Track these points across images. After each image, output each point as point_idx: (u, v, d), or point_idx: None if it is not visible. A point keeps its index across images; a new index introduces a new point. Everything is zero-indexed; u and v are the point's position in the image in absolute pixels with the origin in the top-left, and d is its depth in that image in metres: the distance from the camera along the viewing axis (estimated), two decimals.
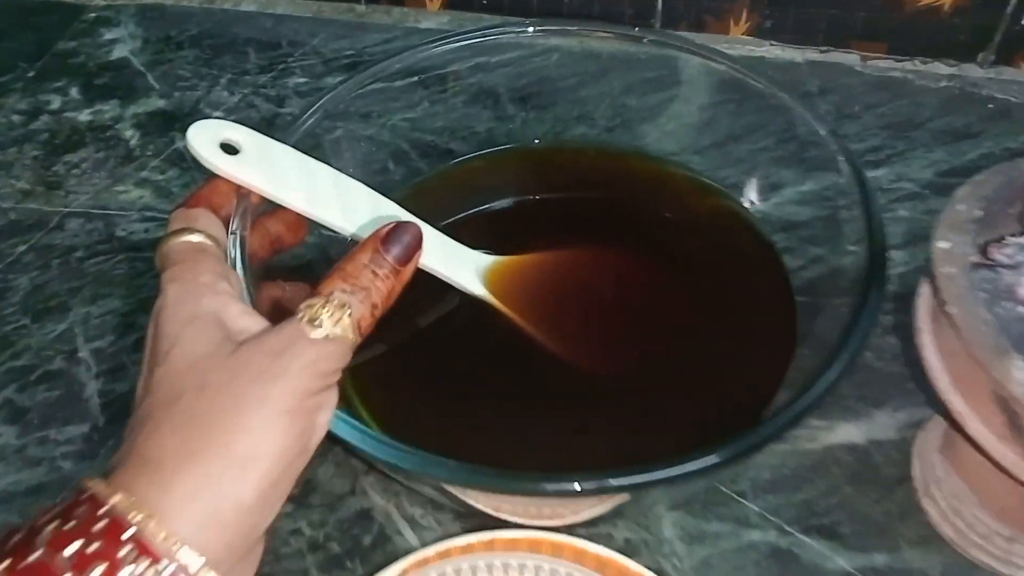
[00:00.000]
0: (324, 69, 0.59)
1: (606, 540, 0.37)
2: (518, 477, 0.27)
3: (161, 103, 0.56)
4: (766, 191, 0.44)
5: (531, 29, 0.44)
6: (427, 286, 0.36)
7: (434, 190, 0.45)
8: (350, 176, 0.35)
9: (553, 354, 0.37)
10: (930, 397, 0.39)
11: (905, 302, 0.44)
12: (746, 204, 0.44)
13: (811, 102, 0.54)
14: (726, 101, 0.45)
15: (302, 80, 0.58)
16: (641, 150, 0.47)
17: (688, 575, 0.36)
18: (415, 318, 0.39)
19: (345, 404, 0.35)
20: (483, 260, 0.38)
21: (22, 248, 0.48)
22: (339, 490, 0.39)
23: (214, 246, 0.31)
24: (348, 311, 0.27)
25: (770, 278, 0.41)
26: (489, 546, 0.33)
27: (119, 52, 0.59)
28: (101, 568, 0.23)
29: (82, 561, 0.23)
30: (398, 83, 0.45)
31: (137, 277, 0.47)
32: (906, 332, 0.43)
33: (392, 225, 0.30)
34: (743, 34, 0.60)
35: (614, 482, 0.27)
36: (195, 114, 0.56)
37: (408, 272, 0.30)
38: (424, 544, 0.37)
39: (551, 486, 0.27)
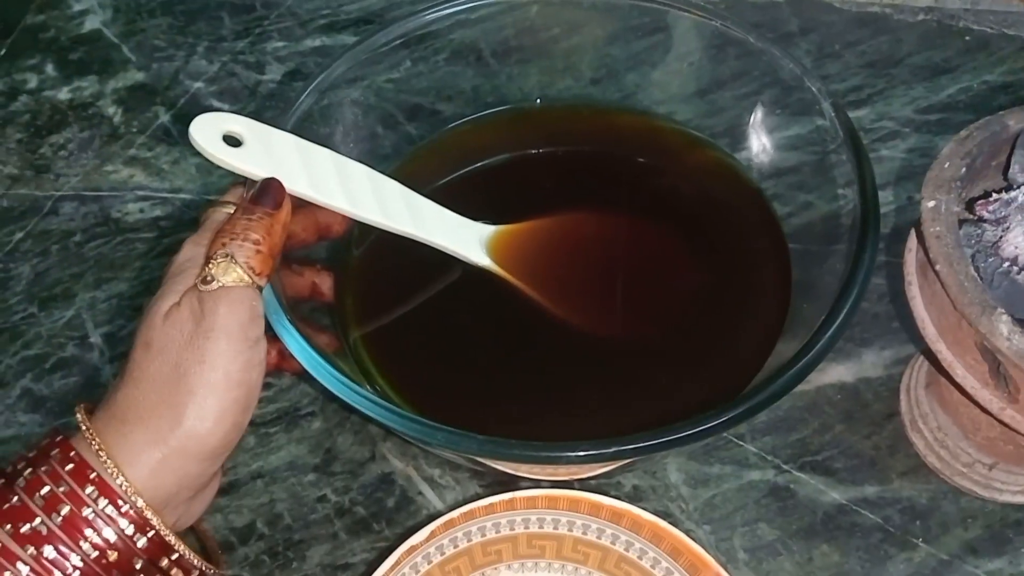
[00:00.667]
0: (302, 32, 0.58)
1: (616, 488, 0.39)
2: (547, 447, 0.29)
3: (140, 76, 0.55)
4: (752, 138, 0.45)
5: None
6: (432, 259, 0.38)
7: (429, 157, 0.45)
8: (341, 146, 0.35)
9: (557, 317, 0.38)
10: (916, 338, 0.41)
11: (890, 242, 0.46)
12: (734, 153, 0.45)
13: (792, 43, 0.55)
14: (708, 47, 0.45)
15: (280, 44, 0.57)
16: (629, 105, 0.47)
17: (694, 516, 0.39)
18: (423, 291, 0.40)
19: (366, 377, 0.37)
20: (485, 231, 0.39)
21: (19, 235, 0.49)
22: (360, 457, 0.41)
23: None
24: (233, 260, 0.29)
25: (761, 226, 0.42)
26: (510, 505, 0.35)
27: (91, 24, 0.58)
28: (67, 508, 0.27)
29: (52, 500, 0.27)
30: (382, 48, 0.45)
31: (139, 259, 0.47)
32: (891, 271, 0.45)
33: (256, 186, 0.32)
34: None
35: (638, 445, 0.28)
36: (175, 86, 0.55)
37: (283, 212, 0.32)
38: (445, 503, 0.39)
39: (577, 453, 0.29)
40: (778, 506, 0.39)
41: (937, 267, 0.29)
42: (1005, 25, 0.55)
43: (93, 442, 0.28)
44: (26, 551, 0.27)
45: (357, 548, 0.38)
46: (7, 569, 0.26)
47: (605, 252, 0.41)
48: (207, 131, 0.32)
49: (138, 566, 0.28)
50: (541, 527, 0.35)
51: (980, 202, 0.31)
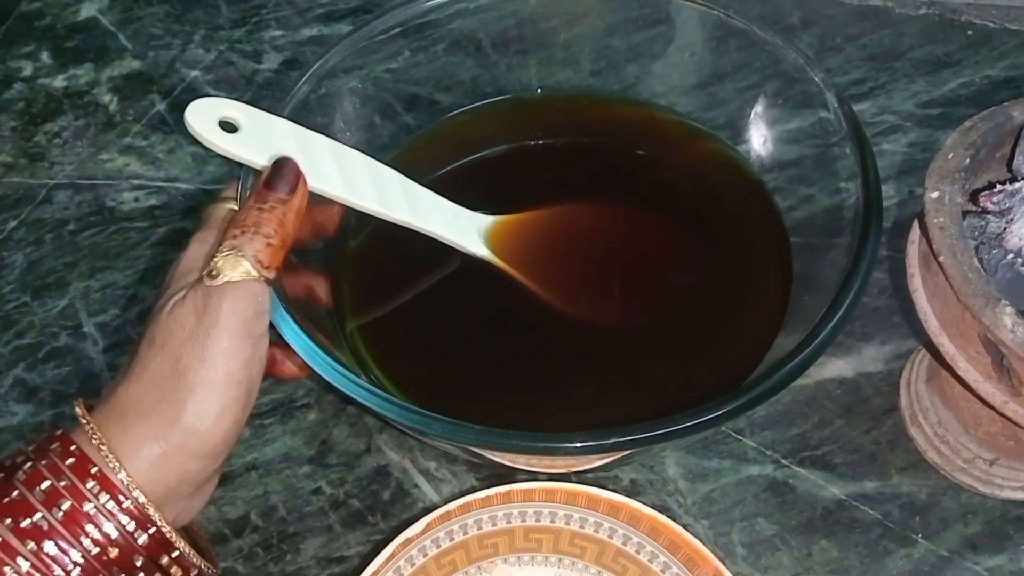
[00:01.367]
0: (300, 21, 0.57)
1: (613, 481, 0.39)
2: (544, 438, 0.29)
3: (136, 64, 0.55)
4: (754, 130, 0.45)
5: None
6: (430, 249, 0.37)
7: (427, 147, 0.45)
8: (339, 135, 0.35)
9: (555, 309, 0.38)
10: (917, 332, 0.41)
11: (891, 236, 0.46)
12: (735, 145, 0.44)
13: (794, 36, 0.54)
14: (710, 38, 0.45)
15: (278, 33, 0.57)
16: (629, 96, 0.47)
17: (692, 511, 0.38)
18: (420, 281, 0.39)
19: (362, 368, 0.37)
20: (483, 221, 0.39)
21: (13, 224, 0.48)
22: (355, 449, 0.40)
23: None
24: (240, 253, 0.29)
25: (762, 219, 0.42)
26: (507, 498, 0.35)
27: (87, 11, 0.58)
28: (68, 503, 0.27)
29: (53, 495, 0.27)
30: (380, 37, 0.44)
31: (133, 248, 0.47)
32: (892, 265, 0.45)
33: (270, 168, 0.31)
34: None
35: (637, 437, 0.28)
36: (171, 74, 0.54)
37: (298, 198, 0.31)
38: (441, 495, 0.39)
39: (575, 444, 0.28)
40: (777, 501, 0.39)
41: (940, 258, 0.29)
42: (1007, 19, 0.55)
43: (94, 436, 0.28)
44: (26, 546, 0.26)
45: (352, 541, 0.38)
46: (7, 564, 0.26)
47: (604, 244, 0.41)
48: (203, 116, 0.32)
49: (139, 563, 0.28)
50: (538, 520, 0.35)
51: (984, 193, 0.30)
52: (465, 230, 0.38)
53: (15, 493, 0.27)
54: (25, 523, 0.26)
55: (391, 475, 0.40)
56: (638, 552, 0.34)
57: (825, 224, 0.39)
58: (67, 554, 0.26)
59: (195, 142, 0.32)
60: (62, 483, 0.27)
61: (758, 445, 0.40)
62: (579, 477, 0.38)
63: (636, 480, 0.39)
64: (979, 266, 0.28)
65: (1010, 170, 0.32)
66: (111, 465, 0.27)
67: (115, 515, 0.27)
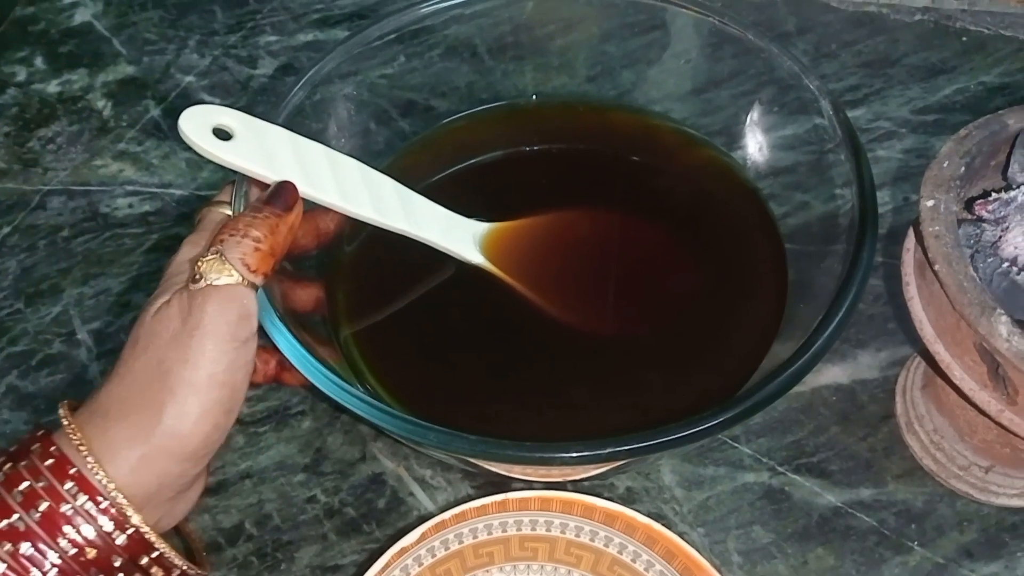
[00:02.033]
0: (295, 26, 0.57)
1: (609, 490, 0.39)
2: (540, 448, 0.28)
3: (130, 70, 0.55)
4: (749, 137, 0.45)
5: None
6: (425, 256, 0.37)
7: (422, 154, 0.44)
8: (334, 141, 0.35)
9: (550, 317, 0.38)
10: (912, 339, 0.41)
11: (886, 243, 0.46)
12: (730, 152, 0.44)
13: (789, 42, 0.54)
14: (705, 44, 0.45)
15: (273, 39, 0.56)
16: (624, 103, 0.47)
17: (688, 519, 0.38)
18: (415, 289, 0.39)
19: (356, 376, 0.36)
20: (479, 228, 0.39)
21: (6, 230, 0.48)
22: (350, 457, 0.40)
23: None
24: (227, 256, 0.29)
25: (758, 226, 0.42)
26: (502, 506, 0.35)
27: (81, 16, 0.57)
28: (46, 504, 0.27)
29: (31, 496, 0.27)
30: (375, 43, 0.44)
31: (127, 255, 0.47)
32: (888, 272, 0.45)
33: (271, 189, 0.32)
34: None
35: (633, 446, 0.28)
36: (165, 80, 0.54)
37: (292, 215, 0.31)
38: (436, 504, 0.39)
39: (570, 454, 0.28)
40: (773, 509, 0.38)
41: (936, 267, 0.29)
42: (1002, 26, 0.55)
43: (74, 437, 0.28)
44: (2, 547, 0.26)
45: (347, 549, 0.38)
46: None
47: (600, 251, 0.41)
48: (196, 123, 0.32)
49: (117, 564, 0.28)
50: (534, 529, 0.35)
51: (979, 202, 0.30)
52: (460, 237, 0.38)
53: None
54: (2, 524, 0.26)
55: (386, 483, 0.40)
56: (634, 561, 0.34)
57: (820, 231, 0.39)
58: (44, 555, 0.26)
59: (190, 148, 0.32)
60: (40, 484, 0.27)
61: (754, 452, 0.40)
62: (575, 486, 0.38)
63: (632, 488, 0.39)
64: (975, 275, 0.28)
65: (1005, 178, 0.32)
66: (90, 466, 0.27)
67: (94, 517, 0.27)
